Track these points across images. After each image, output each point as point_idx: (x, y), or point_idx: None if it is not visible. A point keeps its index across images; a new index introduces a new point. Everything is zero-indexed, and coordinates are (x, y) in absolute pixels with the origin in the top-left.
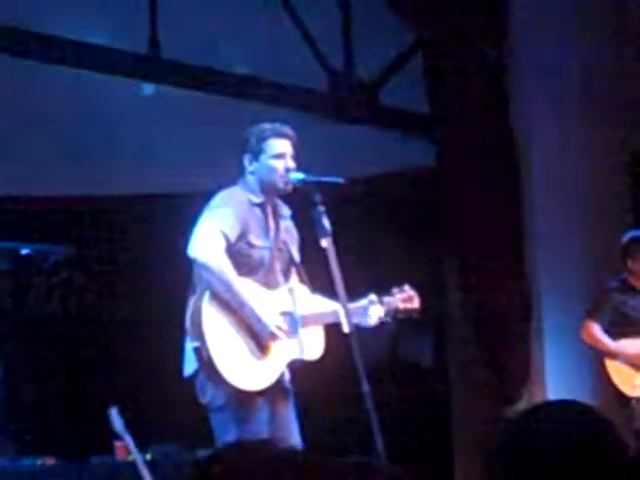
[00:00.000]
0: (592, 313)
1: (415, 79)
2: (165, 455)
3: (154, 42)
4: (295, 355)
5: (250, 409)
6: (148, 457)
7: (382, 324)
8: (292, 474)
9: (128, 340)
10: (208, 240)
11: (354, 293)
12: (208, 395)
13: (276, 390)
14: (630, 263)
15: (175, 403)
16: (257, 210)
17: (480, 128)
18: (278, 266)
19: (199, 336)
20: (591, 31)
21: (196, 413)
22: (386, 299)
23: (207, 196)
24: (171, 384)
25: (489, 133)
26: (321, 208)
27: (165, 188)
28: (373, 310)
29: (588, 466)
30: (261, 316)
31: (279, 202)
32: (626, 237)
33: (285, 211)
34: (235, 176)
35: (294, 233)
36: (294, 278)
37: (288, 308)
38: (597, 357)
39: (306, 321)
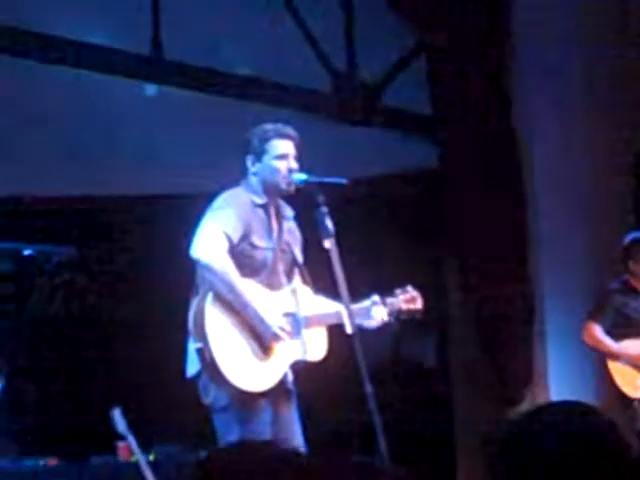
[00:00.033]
0: (594, 315)
1: (418, 80)
2: (168, 456)
3: (157, 43)
4: (298, 356)
5: (253, 410)
6: (151, 458)
7: (385, 325)
8: (293, 475)
9: (130, 341)
10: (211, 241)
11: (357, 294)
12: (211, 396)
13: (279, 391)
14: (632, 265)
15: (178, 404)
16: (260, 211)
17: (482, 129)
18: (281, 267)
19: (202, 337)
20: (593, 31)
21: (199, 414)
22: (389, 300)
23: (210, 197)
24: (174, 385)
25: (491, 134)
26: (324, 209)
27: (167, 189)
28: (376, 311)
29: (591, 467)
30: (264, 317)
31: (282, 203)
32: (627, 238)
33: (288, 212)
34: (238, 177)
35: (297, 234)
36: (297, 279)
37: (291, 309)
38: (600, 358)
39: (309, 322)
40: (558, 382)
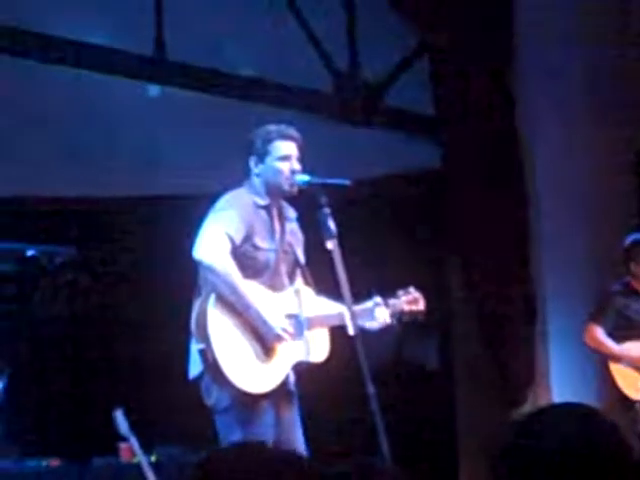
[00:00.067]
0: (595, 317)
1: (420, 81)
2: (170, 457)
3: (160, 43)
4: (301, 357)
5: (255, 411)
6: (153, 459)
7: (387, 326)
8: (294, 477)
9: (133, 341)
10: (213, 242)
11: (359, 295)
12: (213, 397)
13: (281, 393)
14: (633, 266)
15: (180, 405)
16: (262, 212)
17: (484, 129)
18: (283, 268)
19: (204, 338)
20: (594, 32)
21: (201, 415)
22: (391, 301)
23: (212, 198)
24: (176, 386)
25: (493, 134)
26: (326, 210)
27: (170, 190)
28: (378, 312)
29: (592, 469)
30: (266, 318)
31: (284, 204)
32: (628, 240)
33: (291, 213)
34: (240, 178)
35: (299, 235)
36: (299, 280)
37: (294, 310)
38: (602, 360)
39: (311, 323)
40: (560, 383)
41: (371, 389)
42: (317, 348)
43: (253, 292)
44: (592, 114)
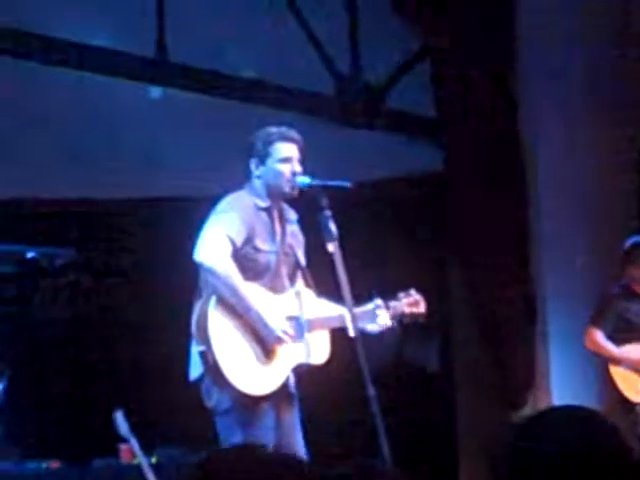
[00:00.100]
0: (595, 320)
1: (422, 83)
2: (170, 458)
3: (161, 46)
4: (301, 359)
5: (255, 413)
6: (153, 460)
7: (388, 328)
8: (294, 479)
9: (133, 343)
10: (214, 245)
11: (360, 297)
12: (214, 399)
13: (281, 395)
14: (632, 269)
15: (181, 406)
16: (263, 214)
17: (486, 131)
18: (284, 270)
19: (205, 340)
20: (595, 32)
21: (202, 416)
22: (392, 303)
23: (214, 200)
24: (176, 387)
25: (495, 136)
26: (328, 212)
27: (171, 192)
28: (379, 314)
29: (592, 471)
30: (267, 320)
31: (285, 206)
32: (628, 243)
33: (291, 215)
34: (242, 180)
35: (300, 237)
36: (300, 282)
37: (294, 312)
38: (602, 362)
39: (312, 325)
40: (560, 385)
41: (371, 391)
42: (318, 350)
43: (254, 294)
44: (593, 114)
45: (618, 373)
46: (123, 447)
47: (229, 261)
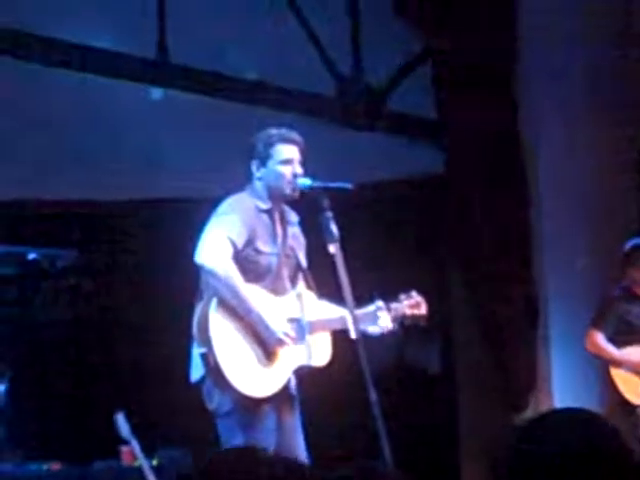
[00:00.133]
0: (596, 322)
1: (423, 85)
2: (171, 460)
3: (162, 47)
4: (302, 361)
5: (256, 416)
6: (154, 462)
7: (389, 331)
8: None
9: (135, 345)
10: (215, 247)
11: (361, 299)
12: (215, 401)
13: (282, 397)
14: (633, 271)
15: (182, 408)
16: (264, 216)
17: (487, 132)
18: (285, 272)
19: (206, 342)
20: (596, 32)
21: (203, 418)
22: (393, 305)
23: (215, 202)
24: (178, 389)
25: (496, 137)
26: (329, 214)
27: (172, 193)
28: (380, 316)
29: (593, 473)
30: (268, 322)
31: (286, 208)
32: (628, 245)
33: (292, 217)
34: (243, 181)
35: (301, 239)
36: (301, 284)
37: (296, 314)
38: (603, 364)
39: (314, 327)
40: (562, 387)
41: (373, 395)
42: (319, 352)
43: (255, 296)
44: (594, 114)
45: (619, 375)
46: (124, 449)
47: (230, 263)
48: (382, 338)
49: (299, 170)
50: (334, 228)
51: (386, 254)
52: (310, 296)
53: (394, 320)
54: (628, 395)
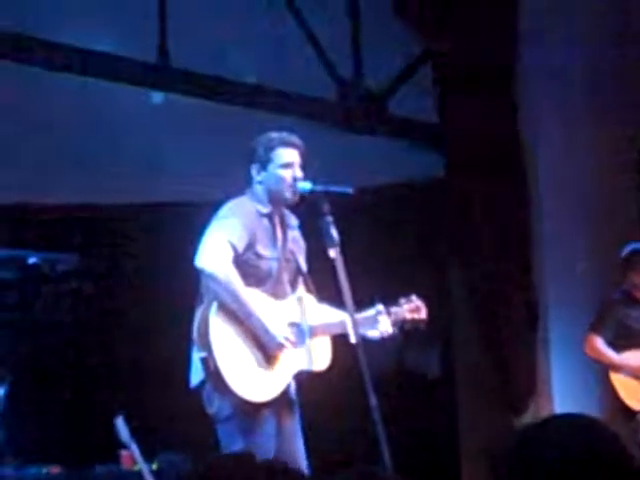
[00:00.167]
0: (595, 327)
1: (424, 89)
2: (171, 464)
3: (163, 51)
4: (303, 366)
5: (256, 420)
6: (154, 466)
7: (389, 335)
8: None
9: (135, 349)
10: (216, 251)
11: (361, 303)
12: (215, 406)
13: (282, 401)
14: (633, 276)
15: (182, 412)
16: (265, 220)
17: (487, 134)
18: (286, 276)
19: (206, 346)
20: (595, 32)
21: (203, 422)
22: (393, 309)
23: (215, 206)
24: (178, 393)
25: (496, 138)
26: (329, 218)
27: (173, 197)
28: (380, 320)
29: (593, 477)
30: (268, 327)
31: (287, 212)
32: (627, 250)
33: (293, 221)
34: (243, 186)
35: (301, 243)
36: (301, 288)
37: (296, 318)
38: (603, 368)
39: (314, 331)
40: (562, 391)
41: (373, 400)
42: (319, 357)
43: (255, 300)
44: (593, 114)
45: (619, 380)
46: (124, 453)
47: (230, 267)
48: (382, 342)
49: (299, 174)
50: (334, 232)
51: (386, 258)
52: (310, 300)
53: (394, 324)
54: (628, 400)
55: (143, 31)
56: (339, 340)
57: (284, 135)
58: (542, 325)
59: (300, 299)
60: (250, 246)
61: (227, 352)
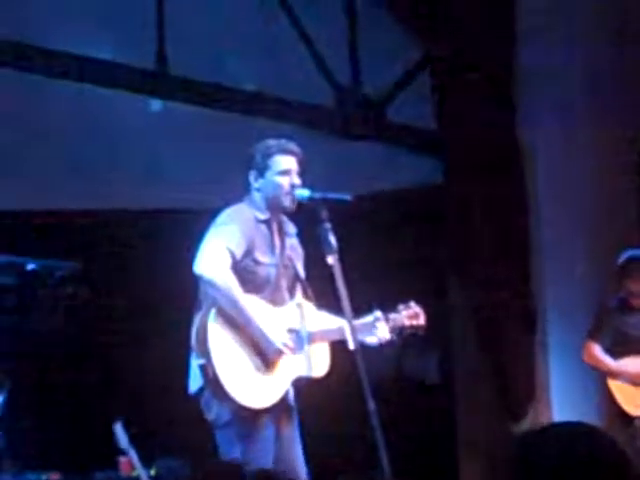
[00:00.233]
0: (593, 334)
1: (422, 95)
2: (169, 470)
3: (162, 58)
4: (301, 372)
5: (255, 427)
6: (152, 472)
7: (387, 341)
8: None
9: (133, 355)
10: (214, 257)
11: (360, 310)
12: (213, 412)
13: (281, 408)
14: (629, 283)
15: (180, 418)
16: (263, 227)
17: (486, 141)
18: (284, 283)
19: (205, 353)
20: (594, 33)
21: (201, 428)
22: (392, 316)
23: (214, 213)
24: (176, 399)
25: (495, 144)
26: (327, 225)
27: (171, 204)
28: (379, 327)
29: None
30: (267, 333)
31: (285, 219)
32: (623, 257)
33: (291, 228)
34: (241, 193)
35: (299, 250)
36: (299, 295)
37: (295, 325)
38: (602, 375)
39: (312, 338)
40: (560, 397)
41: (372, 405)
42: (318, 363)
43: (254, 306)
44: (593, 115)
45: (616, 386)
46: (122, 459)
47: (229, 273)
48: (380, 349)
49: (297, 181)
50: (333, 239)
51: (385, 265)
52: (309, 307)
53: (392, 331)
54: (626, 406)
55: (141, 38)
56: (338, 346)
57: (282, 142)
58: (541, 330)
59: (299, 305)
60: (248, 253)
61: (226, 359)
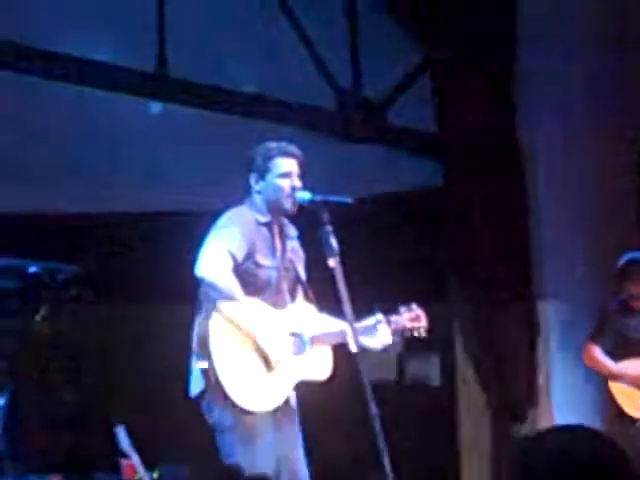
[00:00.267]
0: (593, 336)
1: (423, 98)
2: (171, 474)
3: (162, 61)
4: (303, 375)
5: (257, 430)
6: (155, 476)
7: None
8: None
9: (135, 357)
10: (215, 260)
11: (361, 312)
12: (215, 415)
13: (283, 411)
14: (629, 286)
15: (182, 421)
16: (264, 230)
17: (487, 143)
18: (285, 286)
19: (206, 356)
20: (594, 36)
21: (203, 432)
22: (393, 318)
23: (214, 215)
24: (178, 402)
25: (496, 148)
26: (328, 227)
27: (172, 206)
28: (380, 329)
29: None
30: (263, 344)
31: (286, 222)
32: (623, 260)
33: (292, 231)
34: (242, 195)
35: (300, 253)
36: (300, 297)
37: (296, 328)
38: (602, 377)
39: (314, 341)
40: (561, 400)
41: (373, 409)
42: (320, 366)
43: (255, 309)
44: (593, 118)
45: (617, 388)
46: (124, 462)
47: (230, 276)
48: (382, 351)
49: (297, 183)
50: (334, 242)
51: (385, 267)
52: (310, 309)
53: (394, 333)
54: (627, 408)
55: (141, 41)
56: (339, 350)
57: (282, 145)
58: (541, 331)
59: (300, 308)
60: (249, 255)
61: (227, 362)
